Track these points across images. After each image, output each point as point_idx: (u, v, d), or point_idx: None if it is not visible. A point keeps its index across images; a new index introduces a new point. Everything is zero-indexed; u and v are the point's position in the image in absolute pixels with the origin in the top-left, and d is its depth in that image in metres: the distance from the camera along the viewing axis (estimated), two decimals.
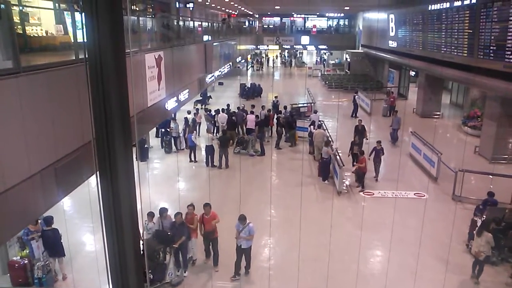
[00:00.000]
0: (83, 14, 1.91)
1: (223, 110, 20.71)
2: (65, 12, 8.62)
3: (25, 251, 9.25)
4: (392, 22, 28.49)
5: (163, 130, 18.72)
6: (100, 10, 1.83)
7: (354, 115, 25.08)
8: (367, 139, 16.84)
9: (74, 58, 6.07)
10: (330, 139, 16.64)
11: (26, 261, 9.00)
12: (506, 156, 16.76)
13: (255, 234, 9.43)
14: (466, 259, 10.12)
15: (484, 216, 10.34)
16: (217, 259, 9.84)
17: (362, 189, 14.17)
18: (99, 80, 1.89)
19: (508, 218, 10.42)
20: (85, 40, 1.98)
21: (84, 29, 1.99)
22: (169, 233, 9.35)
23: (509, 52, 13.69)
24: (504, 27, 13.94)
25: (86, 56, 1.97)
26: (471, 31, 16.56)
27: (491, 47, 14.90)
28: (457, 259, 10.11)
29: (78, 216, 12.08)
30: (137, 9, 14.32)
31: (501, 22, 14.19)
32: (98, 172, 2.00)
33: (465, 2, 16.95)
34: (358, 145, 15.39)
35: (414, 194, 13.88)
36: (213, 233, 9.67)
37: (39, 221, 9.32)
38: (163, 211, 9.84)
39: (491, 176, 13.21)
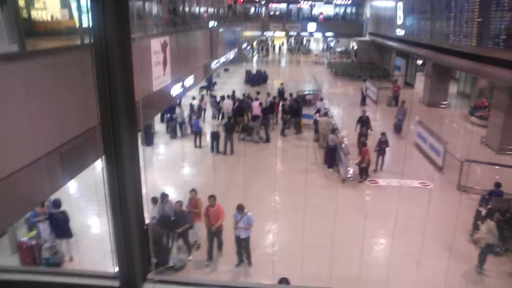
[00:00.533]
0: None
1: (228, 96, 20.71)
2: None
3: (32, 232, 9.42)
4: (400, 10, 28.15)
5: (168, 115, 18.76)
6: None
7: (363, 103, 25.08)
8: (371, 129, 16.74)
9: (79, 43, 6.07)
10: (335, 127, 16.60)
11: (34, 242, 9.20)
12: None
13: (255, 224, 9.33)
14: (470, 249, 10.15)
15: (489, 206, 10.33)
16: (221, 246, 9.84)
17: (364, 178, 14.04)
18: (104, 65, 1.89)
19: None
20: (91, 25, 1.98)
21: (90, 14, 1.99)
22: (172, 218, 9.44)
23: None
24: None
25: (92, 41, 1.96)
26: (480, 19, 16.33)
27: (501, 36, 14.70)
28: (461, 248, 10.13)
29: (84, 199, 12.21)
30: None
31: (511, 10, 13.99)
32: (103, 157, 2.01)
33: None
34: (365, 135, 15.36)
35: (419, 183, 13.87)
36: (218, 226, 9.47)
37: (46, 203, 9.45)
38: (163, 196, 9.86)
39: (497, 167, 13.16)
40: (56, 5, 8.54)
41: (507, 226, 9.79)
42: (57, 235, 9.36)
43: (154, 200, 9.75)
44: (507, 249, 9.99)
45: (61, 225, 9.24)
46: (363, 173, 14.10)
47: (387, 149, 14.89)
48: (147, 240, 2.14)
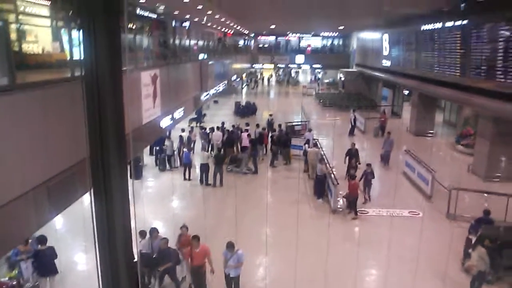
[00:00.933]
0: (80, 31, 1.92)
1: (218, 128, 20.75)
2: (62, 29, 8.67)
3: (14, 271, 9.07)
4: (386, 41, 28.93)
5: (157, 148, 18.67)
6: (97, 28, 1.84)
7: (351, 134, 25.39)
8: (359, 163, 16.34)
9: (69, 75, 6.09)
10: (324, 157, 16.64)
11: (14, 282, 8.82)
12: (500, 174, 16.83)
13: (245, 260, 9.04)
14: (462, 277, 10.06)
15: (479, 233, 10.32)
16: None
17: (354, 216, 13.48)
18: (95, 98, 1.88)
19: (502, 236, 10.41)
20: (82, 57, 1.99)
21: (81, 46, 2.00)
22: (154, 256, 9.14)
23: (499, 72, 13.90)
24: (494, 47, 14.18)
25: (83, 73, 1.96)
26: (463, 51, 16.83)
27: (483, 67, 15.12)
28: (454, 277, 10.04)
29: (71, 235, 11.92)
30: (134, 27, 14.45)
31: (491, 42, 14.45)
32: (92, 190, 1.97)
33: (457, 23, 17.27)
34: (355, 168, 15.27)
35: (409, 212, 13.85)
36: (202, 267, 8.97)
37: (29, 240, 9.18)
38: (152, 231, 9.58)
39: (486, 194, 13.24)
40: (47, 38, 8.60)
41: (497, 254, 9.76)
42: (41, 274, 9.00)
43: (142, 234, 9.47)
44: (498, 277, 9.92)
45: (46, 262, 8.93)
46: (352, 206, 13.68)
47: (373, 180, 14.83)
48: (136, 277, 2.09)
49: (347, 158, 16.76)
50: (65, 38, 8.21)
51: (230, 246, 8.83)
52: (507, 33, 13.38)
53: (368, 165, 14.77)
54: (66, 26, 8.43)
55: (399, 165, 17.85)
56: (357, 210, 13.66)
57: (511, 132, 16.64)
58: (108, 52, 1.87)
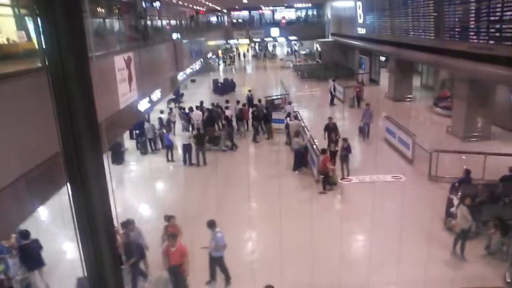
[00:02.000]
0: (38, 18, 1.83)
1: (197, 107, 20.58)
2: (27, 18, 8.33)
3: (0, 267, 8.97)
4: (359, 9, 28.76)
5: (137, 131, 18.46)
6: (56, 14, 1.75)
7: (332, 104, 25.49)
8: (339, 137, 15.42)
9: (40, 65, 5.89)
10: (304, 129, 16.68)
11: (2, 277, 8.74)
12: (477, 134, 17.23)
13: (232, 238, 8.93)
14: (445, 235, 10.41)
15: (460, 193, 10.63)
16: None
17: (322, 190, 13.30)
18: (62, 87, 1.81)
19: (481, 194, 10.75)
20: (44, 46, 1.90)
21: (42, 35, 1.91)
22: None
23: (472, 33, 14.00)
24: (466, 8, 14.23)
25: (47, 63, 1.88)
26: (436, 13, 16.86)
27: (456, 29, 15.21)
28: (437, 236, 10.36)
29: (56, 225, 11.80)
30: (102, 11, 14.01)
31: (463, 3, 14.48)
32: (68, 183, 1.93)
33: None
34: (335, 142, 15.01)
35: (392, 177, 14.11)
36: (180, 267, 8.39)
37: (13, 235, 9.06)
38: (127, 224, 8.83)
39: (465, 156, 13.59)
40: (11, 27, 8.26)
41: (476, 211, 10.08)
42: (29, 267, 8.91)
43: (124, 225, 8.82)
44: (477, 233, 10.28)
45: (32, 256, 8.82)
46: (326, 182, 13.44)
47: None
48: (120, 262, 2.08)
49: (326, 133, 16.18)
50: (30, 26, 7.90)
51: (210, 225, 8.68)
52: None
53: (344, 139, 14.38)
54: (30, 14, 8.10)
55: (379, 132, 18.05)
56: (328, 184, 13.45)
57: (485, 92, 16.96)
58: (70, 38, 1.79)
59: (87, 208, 1.80)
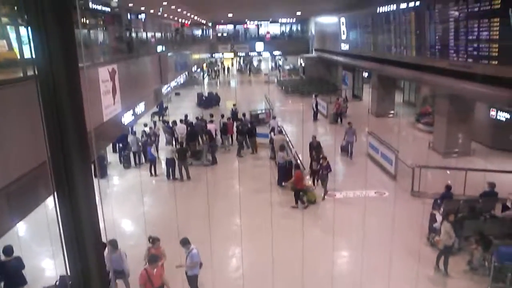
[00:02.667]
0: (29, 28, 1.83)
1: (181, 121, 20.51)
2: (8, 27, 8.25)
3: None
4: (343, 25, 29.31)
5: (120, 145, 18.27)
6: (48, 24, 1.76)
7: (315, 119, 25.77)
8: (322, 156, 14.75)
9: (22, 75, 5.82)
10: (287, 144, 16.75)
11: None
12: (457, 150, 17.58)
13: (217, 253, 8.83)
14: (428, 251, 10.52)
15: (442, 209, 10.79)
16: None
17: (295, 205, 13.35)
18: (51, 97, 1.80)
19: (462, 209, 10.94)
20: (34, 56, 1.90)
21: (32, 44, 1.91)
22: None
23: (452, 51, 14.41)
24: (446, 28, 14.67)
25: (36, 72, 1.88)
26: (417, 31, 17.32)
27: (437, 47, 15.64)
28: (419, 251, 10.42)
29: (35, 241, 11.52)
30: (88, 22, 13.99)
31: (443, 23, 14.93)
32: (55, 193, 1.90)
33: (410, 5, 17.72)
34: (317, 161, 14.81)
35: (375, 192, 14.25)
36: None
37: None
38: (111, 244, 8.34)
39: (448, 172, 13.83)
40: None
41: (459, 226, 10.24)
42: (8, 286, 8.63)
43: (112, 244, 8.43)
44: (460, 248, 10.42)
45: (13, 274, 8.50)
46: (301, 198, 13.43)
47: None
48: (108, 279, 2.04)
49: (311, 151, 16.03)
50: (12, 35, 7.82)
51: (183, 242, 8.52)
52: (456, 13, 13.86)
53: (324, 158, 14.17)
54: (12, 23, 8.03)
55: (362, 148, 18.24)
56: (305, 202, 13.50)
57: (465, 109, 17.39)
58: (62, 49, 1.79)
59: (75, 218, 1.79)
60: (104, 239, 2.00)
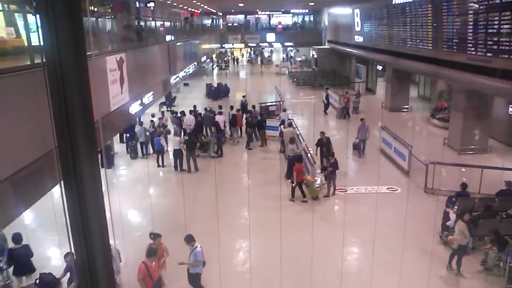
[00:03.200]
0: (37, 16, 1.85)
1: (190, 111, 20.59)
2: (16, 14, 8.31)
3: None
4: (357, 16, 29.06)
5: (127, 135, 18.41)
6: (57, 12, 1.78)
7: (326, 112, 25.62)
8: (332, 152, 14.42)
9: (29, 62, 5.88)
10: (297, 137, 16.70)
11: None
12: (474, 147, 17.40)
13: (226, 247, 8.95)
14: (440, 249, 10.47)
15: (456, 207, 10.72)
16: None
17: (292, 199, 13.42)
18: (59, 85, 1.83)
19: (477, 208, 10.85)
20: (42, 43, 1.92)
21: (40, 32, 1.93)
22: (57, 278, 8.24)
23: (470, 45, 14.22)
24: (465, 20, 14.46)
25: (44, 60, 1.90)
26: (434, 24, 17.10)
27: (454, 40, 15.43)
28: (432, 250, 10.39)
29: (42, 229, 11.70)
30: (96, 10, 14.03)
31: (462, 15, 14.72)
32: (62, 182, 1.94)
33: None
34: (327, 158, 14.62)
35: (387, 188, 14.19)
36: (160, 280, 8.42)
37: None
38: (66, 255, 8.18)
39: (463, 169, 13.70)
40: (0, 23, 8.23)
41: (473, 225, 10.17)
42: (18, 273, 8.79)
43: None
44: (474, 247, 10.36)
45: (23, 262, 8.69)
46: (294, 190, 13.42)
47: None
48: (112, 270, 2.08)
49: (318, 149, 15.67)
50: (20, 23, 7.88)
51: (187, 239, 8.51)
52: (475, 6, 13.65)
53: (332, 155, 14.04)
54: (20, 10, 8.09)
55: (375, 143, 18.15)
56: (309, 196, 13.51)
57: (483, 105, 17.16)
58: (71, 37, 1.81)
59: (81, 207, 1.82)
60: (110, 230, 2.04)
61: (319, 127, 18.22)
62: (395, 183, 14.55)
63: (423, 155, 15.41)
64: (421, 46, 18.71)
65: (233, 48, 52.59)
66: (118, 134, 18.59)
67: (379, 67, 31.95)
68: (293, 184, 13.49)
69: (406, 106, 25.92)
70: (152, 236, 8.81)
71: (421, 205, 12.67)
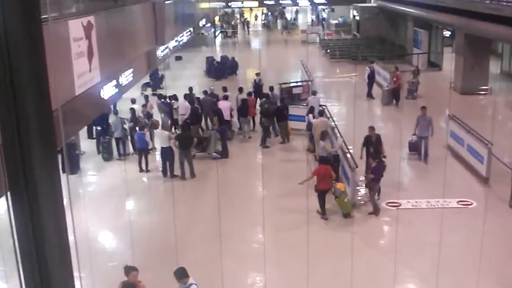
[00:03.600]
0: None
1: (184, 96, 20.58)
2: None
3: None
4: None
5: (99, 128, 18.51)
6: None
7: (370, 96, 25.50)
8: (384, 156, 14.58)
9: None
10: (332, 130, 16.60)
11: None
12: None
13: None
14: None
15: None
16: None
17: (323, 216, 13.52)
18: (4, 62, 1.85)
19: None
20: None
21: None
22: None
23: None
24: None
25: None
26: None
27: None
28: None
29: None
30: None
31: None
32: (8, 193, 1.97)
33: None
34: (375, 158, 14.27)
35: (458, 202, 14.06)
36: None
37: None
38: None
39: None
40: None
41: None
42: None
43: None
44: None
45: None
46: (320, 203, 13.52)
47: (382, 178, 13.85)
48: None
49: (365, 148, 15.48)
50: None
51: (179, 275, 8.54)
52: None
53: (379, 158, 14.06)
54: None
55: (441, 137, 17.97)
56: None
57: None
58: None
59: (35, 228, 1.84)
60: (73, 256, 2.07)
61: (363, 117, 18.06)
62: (468, 194, 14.40)
63: (509, 156, 15.22)
64: (505, 3, 18.46)
65: (243, 7, 52.57)
66: (85, 128, 18.70)
67: (447, 33, 31.62)
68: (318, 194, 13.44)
69: (485, 88, 25.60)
70: (126, 270, 8.79)
71: (505, 225, 12.53)
